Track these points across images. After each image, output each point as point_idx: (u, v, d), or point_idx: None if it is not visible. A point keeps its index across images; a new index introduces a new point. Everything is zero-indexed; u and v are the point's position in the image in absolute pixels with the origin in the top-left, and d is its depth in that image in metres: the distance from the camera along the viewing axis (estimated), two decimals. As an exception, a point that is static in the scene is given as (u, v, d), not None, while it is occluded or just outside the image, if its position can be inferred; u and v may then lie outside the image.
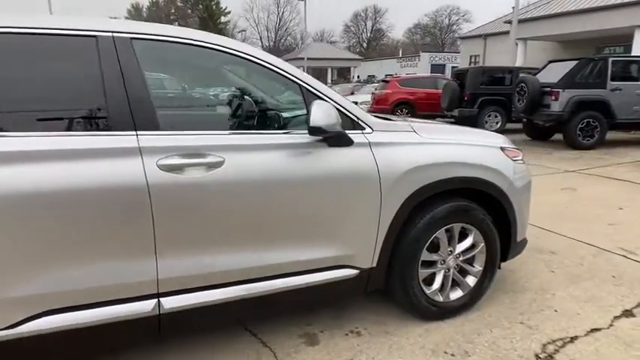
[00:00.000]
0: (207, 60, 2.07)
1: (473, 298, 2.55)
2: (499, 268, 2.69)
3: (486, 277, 2.54)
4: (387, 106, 13.85)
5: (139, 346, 2.23)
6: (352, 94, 18.53)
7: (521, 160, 2.66)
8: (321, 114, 1.88)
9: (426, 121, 3.13)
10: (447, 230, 2.38)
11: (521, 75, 9.80)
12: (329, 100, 2.09)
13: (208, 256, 1.88)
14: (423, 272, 2.37)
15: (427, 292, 2.40)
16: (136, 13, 60.12)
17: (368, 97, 15.52)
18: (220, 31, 49.65)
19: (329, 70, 42.63)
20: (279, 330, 2.40)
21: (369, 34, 66.72)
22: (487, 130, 10.84)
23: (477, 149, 2.43)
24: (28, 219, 1.56)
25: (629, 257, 3.36)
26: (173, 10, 60.14)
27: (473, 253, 2.49)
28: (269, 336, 2.35)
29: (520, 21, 16.68)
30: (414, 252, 2.29)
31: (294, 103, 2.23)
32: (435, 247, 2.39)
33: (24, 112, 1.67)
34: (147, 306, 1.81)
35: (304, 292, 2.10)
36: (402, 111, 13.86)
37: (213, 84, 2.09)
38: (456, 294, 2.51)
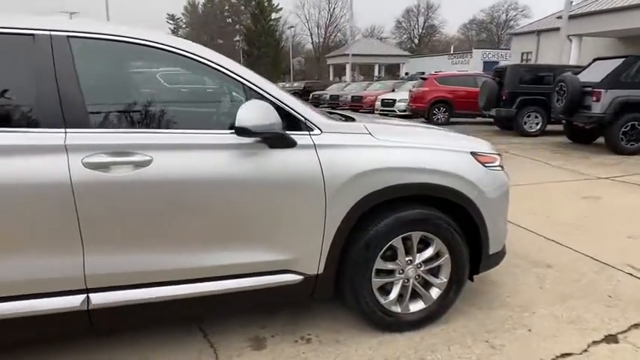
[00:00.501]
0: (146, 57, 2.06)
1: (436, 311, 2.40)
2: (471, 280, 2.52)
3: (451, 289, 2.38)
4: (423, 105, 13.49)
5: (84, 339, 2.28)
6: (393, 90, 18.18)
7: (498, 166, 2.46)
8: (250, 114, 1.82)
9: (395, 121, 2.97)
10: (405, 239, 2.25)
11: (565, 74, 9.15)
12: (273, 98, 2.02)
13: (137, 255, 1.87)
14: (379, 281, 2.26)
15: (382, 301, 2.28)
16: (192, 10, 62.22)
17: (407, 95, 15.16)
18: (270, 27, 50.40)
19: (376, 67, 42.13)
20: (230, 331, 2.37)
21: (420, 30, 65.13)
22: (526, 130, 10.33)
23: (438, 154, 2.27)
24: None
25: (636, 275, 3.05)
26: (227, 7, 61.69)
27: (436, 264, 2.34)
28: (218, 337, 2.33)
29: (573, 16, 15.66)
30: (367, 260, 2.18)
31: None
32: (392, 256, 2.27)
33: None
34: (75, 301, 1.83)
35: (244, 295, 2.06)
36: (439, 110, 13.43)
37: (152, 81, 2.08)
38: (417, 306, 2.37)
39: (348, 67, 34.69)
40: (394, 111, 15.67)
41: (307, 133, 2.07)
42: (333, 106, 21.99)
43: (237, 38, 53.19)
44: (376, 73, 41.43)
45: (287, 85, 32.28)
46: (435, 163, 2.21)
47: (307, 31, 63.61)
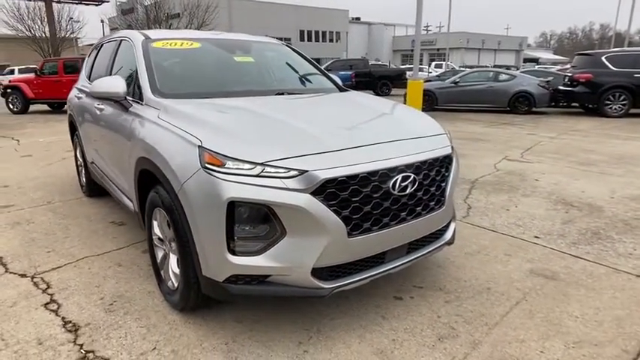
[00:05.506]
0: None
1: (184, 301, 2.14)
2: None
3: (177, 288, 2.13)
4: None
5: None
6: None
7: (223, 172, 1.75)
8: (95, 84, 2.64)
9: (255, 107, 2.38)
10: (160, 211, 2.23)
11: None
12: (140, 79, 2.63)
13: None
14: (156, 240, 2.38)
15: (157, 260, 2.40)
16: None
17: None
18: None
19: None
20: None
21: None
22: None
23: (170, 137, 2.05)
24: None
25: None
26: None
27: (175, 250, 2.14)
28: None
29: None
30: (148, 217, 2.37)
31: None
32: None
33: None
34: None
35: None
36: None
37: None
38: (170, 284, 2.27)
39: None
40: None
41: (140, 103, 2.55)
42: None
43: None
44: None
45: None
46: (159, 144, 2.10)
47: None
